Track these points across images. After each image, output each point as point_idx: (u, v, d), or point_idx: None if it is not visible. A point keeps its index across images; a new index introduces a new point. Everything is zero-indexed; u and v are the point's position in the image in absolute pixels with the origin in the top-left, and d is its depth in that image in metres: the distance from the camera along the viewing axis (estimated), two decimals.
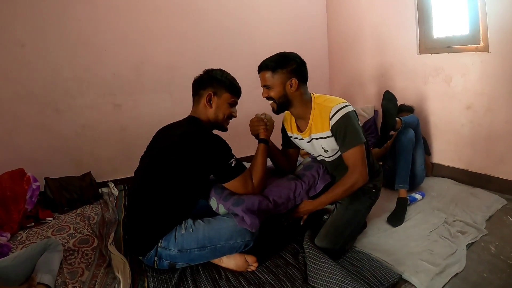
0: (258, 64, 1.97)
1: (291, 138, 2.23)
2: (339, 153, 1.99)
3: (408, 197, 2.62)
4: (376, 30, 3.91)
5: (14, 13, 2.82)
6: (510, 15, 2.67)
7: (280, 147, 2.30)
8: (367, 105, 4.02)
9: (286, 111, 2.09)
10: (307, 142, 2.08)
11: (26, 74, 2.91)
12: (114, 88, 3.27)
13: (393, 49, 3.72)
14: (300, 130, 2.10)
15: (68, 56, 3.05)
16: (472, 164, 3.09)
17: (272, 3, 4.13)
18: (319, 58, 4.57)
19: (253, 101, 3.83)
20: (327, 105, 1.91)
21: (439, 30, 3.32)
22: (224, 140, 1.83)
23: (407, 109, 3.28)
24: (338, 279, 1.61)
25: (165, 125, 1.98)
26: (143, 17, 3.34)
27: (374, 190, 2.12)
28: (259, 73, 1.96)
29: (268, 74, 1.91)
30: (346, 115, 1.85)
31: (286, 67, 1.89)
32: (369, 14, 3.97)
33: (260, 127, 2.09)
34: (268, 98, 1.97)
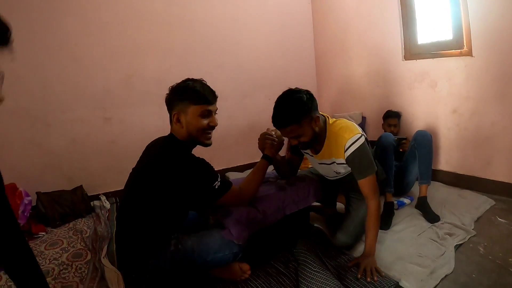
0: (274, 120, 1.89)
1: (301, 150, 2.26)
2: (349, 172, 2.09)
3: (396, 202, 2.66)
4: (362, 37, 3.97)
5: None
6: (492, 19, 2.72)
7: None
8: (354, 111, 4.05)
9: None
10: (318, 163, 2.18)
11: (16, 88, 2.88)
12: (104, 102, 3.28)
13: (378, 56, 3.77)
14: (315, 151, 2.14)
15: (58, 71, 3.06)
16: (460, 166, 3.14)
17: (257, 14, 4.18)
18: (306, 66, 4.62)
19: (241, 111, 3.87)
20: (342, 135, 1.95)
21: (423, 36, 3.38)
22: (204, 163, 1.74)
23: (394, 115, 3.34)
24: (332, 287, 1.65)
25: (155, 138, 1.92)
26: (131, 31, 3.37)
27: None
28: (281, 128, 1.91)
29: (294, 127, 1.86)
30: (360, 148, 1.92)
31: (307, 111, 1.86)
32: (355, 22, 4.03)
33: (267, 143, 2.07)
34: (298, 144, 1.96)
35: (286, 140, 2.06)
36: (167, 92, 1.81)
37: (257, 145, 2.11)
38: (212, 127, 1.81)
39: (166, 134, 1.87)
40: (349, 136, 1.93)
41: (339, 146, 1.96)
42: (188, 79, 1.81)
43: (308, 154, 2.24)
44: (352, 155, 1.92)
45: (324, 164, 2.13)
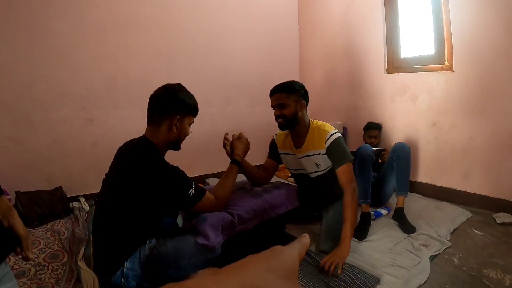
0: (272, 89, 2.30)
1: (280, 154, 2.55)
2: (328, 168, 2.35)
3: (373, 212, 2.69)
4: (346, 49, 4.03)
5: None
6: (473, 36, 2.80)
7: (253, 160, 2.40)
8: (336, 122, 4.07)
9: (279, 132, 2.50)
10: (299, 158, 2.40)
11: None
12: (87, 103, 3.26)
13: (362, 68, 3.84)
14: (296, 147, 2.40)
15: (42, 69, 3.03)
16: (438, 178, 3.20)
17: (243, 22, 4.21)
18: (290, 75, 4.47)
19: (224, 118, 3.88)
20: (323, 129, 2.32)
21: (406, 50, 3.45)
22: (179, 171, 1.78)
23: (375, 126, 3.38)
24: None
25: (126, 141, 1.90)
26: (117, 32, 3.37)
27: None
28: (273, 94, 2.29)
29: (283, 95, 2.24)
30: (339, 138, 2.27)
31: (297, 92, 2.26)
32: (340, 33, 4.09)
33: (234, 148, 2.16)
34: (280, 116, 2.28)
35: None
36: (159, 92, 1.83)
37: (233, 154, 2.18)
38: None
39: (131, 141, 1.87)
40: (329, 130, 2.30)
41: (321, 137, 2.29)
42: (180, 88, 1.86)
43: (288, 153, 2.48)
44: (331, 144, 2.24)
45: (306, 156, 2.35)
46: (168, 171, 1.73)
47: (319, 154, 2.30)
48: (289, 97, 2.24)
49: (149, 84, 1.88)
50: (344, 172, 2.21)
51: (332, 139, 2.25)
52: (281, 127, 2.34)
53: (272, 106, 2.33)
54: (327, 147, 2.25)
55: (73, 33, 3.14)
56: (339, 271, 1.89)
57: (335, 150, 2.24)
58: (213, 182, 3.53)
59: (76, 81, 3.19)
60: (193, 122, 1.91)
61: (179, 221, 1.97)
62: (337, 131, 2.30)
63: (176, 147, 1.90)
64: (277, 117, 2.31)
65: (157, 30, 3.60)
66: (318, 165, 2.34)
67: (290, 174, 3.20)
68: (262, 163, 2.59)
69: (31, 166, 3.06)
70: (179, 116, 1.79)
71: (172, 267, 1.69)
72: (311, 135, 2.34)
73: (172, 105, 1.80)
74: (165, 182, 1.69)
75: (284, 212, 2.16)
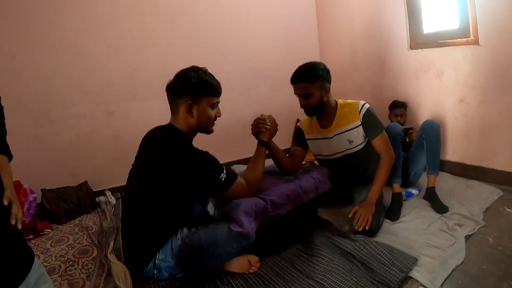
0: (292, 76, 2.24)
1: (307, 140, 2.52)
2: (361, 145, 2.36)
3: (404, 193, 2.64)
4: (367, 26, 3.92)
5: (4, 24, 2.80)
6: (498, 7, 2.67)
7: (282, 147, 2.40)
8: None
9: (304, 118, 2.53)
10: (330, 138, 2.39)
11: (18, 85, 2.89)
12: (107, 96, 3.26)
13: (384, 46, 3.73)
14: (323, 127, 2.41)
15: (60, 66, 3.04)
16: (467, 156, 3.11)
17: (260, 4, 4.13)
18: (311, 56, 4.39)
19: (246, 104, 3.85)
20: (353, 102, 2.36)
21: (429, 25, 3.33)
22: (209, 156, 1.77)
23: (401, 105, 3.31)
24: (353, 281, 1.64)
25: (150, 130, 1.92)
26: (133, 25, 3.35)
27: None
28: (295, 83, 2.24)
29: (307, 84, 2.19)
30: (371, 108, 2.33)
31: (321, 77, 2.20)
32: (360, 11, 3.98)
33: (260, 127, 2.14)
34: (305, 105, 2.29)
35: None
36: (172, 78, 1.82)
37: (260, 134, 2.16)
38: (218, 116, 1.91)
39: (158, 129, 1.88)
40: (359, 101, 2.35)
41: (353, 110, 2.32)
42: (195, 68, 1.81)
43: (316, 138, 2.45)
44: (366, 113, 2.29)
45: (338, 134, 2.35)
46: (198, 157, 1.71)
47: (353, 128, 2.32)
48: (313, 85, 2.20)
49: (169, 73, 1.86)
50: (382, 141, 2.28)
51: (366, 108, 2.30)
52: (308, 114, 2.39)
53: (295, 94, 2.29)
54: (362, 117, 2.29)
55: (87, 28, 3.13)
56: (367, 227, 2.07)
57: (370, 120, 2.29)
58: (237, 168, 3.46)
59: (94, 75, 3.20)
60: (215, 102, 1.85)
61: (210, 208, 1.94)
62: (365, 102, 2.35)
63: (204, 132, 1.88)
64: (302, 106, 2.31)
65: (173, 19, 3.57)
66: (350, 142, 2.35)
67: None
68: (286, 147, 2.55)
69: (55, 163, 3.10)
70: (189, 102, 1.76)
71: (206, 256, 1.68)
72: (341, 111, 2.35)
73: (181, 90, 1.78)
74: (196, 168, 1.68)
75: (316, 195, 2.14)
